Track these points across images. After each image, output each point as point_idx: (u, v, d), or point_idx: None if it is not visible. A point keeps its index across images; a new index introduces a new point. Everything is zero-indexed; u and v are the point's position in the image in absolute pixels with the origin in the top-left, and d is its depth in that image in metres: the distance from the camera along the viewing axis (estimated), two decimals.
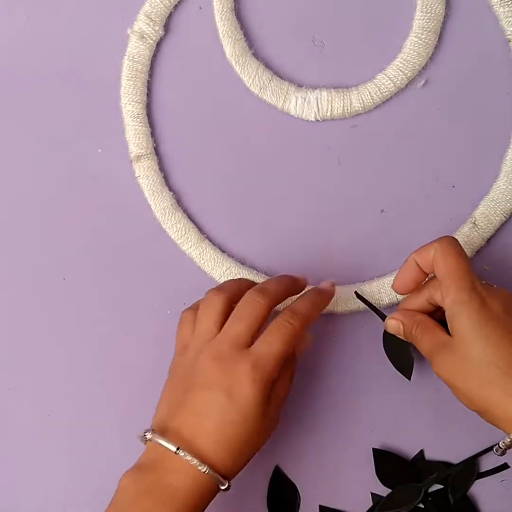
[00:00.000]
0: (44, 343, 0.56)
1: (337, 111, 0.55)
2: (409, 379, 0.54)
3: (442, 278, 0.46)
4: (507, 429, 0.44)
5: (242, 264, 0.56)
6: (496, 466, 0.55)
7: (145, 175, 0.55)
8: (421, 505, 0.55)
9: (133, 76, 0.55)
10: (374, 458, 0.55)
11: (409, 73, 0.54)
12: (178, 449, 0.44)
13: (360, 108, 0.55)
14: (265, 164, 0.56)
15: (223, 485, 0.45)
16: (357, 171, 0.56)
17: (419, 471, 0.55)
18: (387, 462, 0.55)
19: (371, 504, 0.55)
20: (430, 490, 0.55)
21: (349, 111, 0.55)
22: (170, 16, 0.55)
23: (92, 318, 0.56)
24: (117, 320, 0.56)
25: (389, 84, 0.54)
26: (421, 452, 0.56)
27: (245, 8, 0.55)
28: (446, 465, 0.55)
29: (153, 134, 0.55)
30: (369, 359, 0.56)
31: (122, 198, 0.56)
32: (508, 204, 0.54)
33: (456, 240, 0.47)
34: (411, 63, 0.54)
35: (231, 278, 0.55)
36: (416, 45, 0.54)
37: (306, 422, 0.56)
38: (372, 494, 0.55)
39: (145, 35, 0.54)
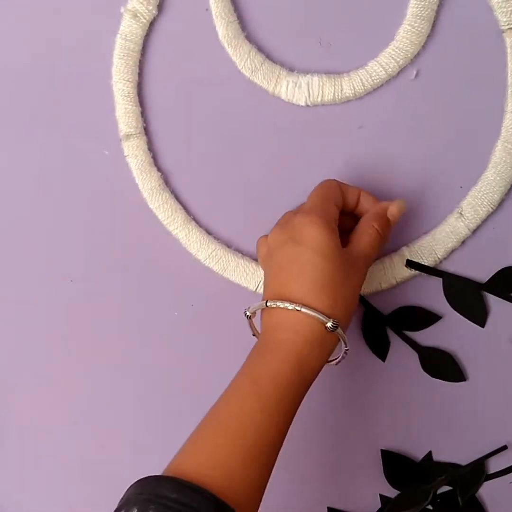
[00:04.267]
0: (51, 345, 0.57)
1: (327, 96, 0.55)
2: (384, 361, 0.55)
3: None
4: None
5: (228, 246, 0.56)
6: (505, 467, 0.55)
7: (134, 154, 0.55)
8: (430, 507, 0.55)
9: (125, 54, 0.54)
10: (382, 459, 0.55)
11: (401, 61, 0.54)
12: (267, 301, 0.45)
13: (351, 95, 0.55)
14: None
15: (328, 322, 0.44)
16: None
17: (428, 472, 0.55)
18: (395, 464, 0.55)
19: (379, 505, 0.56)
20: (439, 491, 0.55)
21: (339, 97, 0.55)
22: None
23: (100, 318, 0.57)
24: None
25: (381, 71, 0.54)
26: (429, 453, 0.56)
27: None
28: (455, 466, 0.55)
29: (143, 113, 0.55)
30: (379, 361, 0.56)
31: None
32: (495, 195, 0.54)
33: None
34: (404, 51, 0.54)
35: (216, 260, 0.55)
36: (409, 33, 0.54)
37: (315, 423, 0.56)
38: (381, 495, 0.56)
39: (138, 14, 0.54)
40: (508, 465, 0.55)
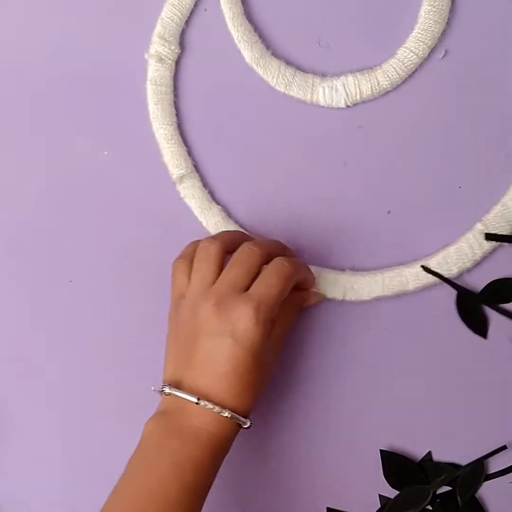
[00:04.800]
0: (50, 346, 0.56)
1: (365, 93, 0.54)
2: (485, 337, 0.54)
3: None
4: None
5: None
6: (505, 467, 0.54)
7: (191, 194, 0.55)
8: (429, 507, 0.54)
9: (159, 99, 0.54)
10: (381, 459, 0.54)
11: (429, 41, 0.54)
12: (198, 399, 0.45)
13: (388, 85, 0.54)
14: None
15: (245, 424, 0.47)
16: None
17: (427, 472, 0.54)
18: (394, 464, 0.54)
19: (378, 506, 0.55)
20: (438, 491, 0.54)
21: (377, 91, 0.54)
22: (183, 33, 0.54)
23: (99, 318, 0.56)
24: (125, 320, 0.56)
25: (412, 56, 0.54)
26: (429, 453, 0.55)
27: (255, 11, 0.54)
28: (454, 466, 0.55)
29: (189, 152, 0.55)
30: (377, 358, 0.55)
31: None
32: None
33: None
34: (430, 32, 0.54)
35: None
36: (431, 13, 0.54)
37: (314, 423, 0.55)
38: (380, 495, 0.55)
39: (162, 57, 0.54)
40: (508, 465, 0.54)
